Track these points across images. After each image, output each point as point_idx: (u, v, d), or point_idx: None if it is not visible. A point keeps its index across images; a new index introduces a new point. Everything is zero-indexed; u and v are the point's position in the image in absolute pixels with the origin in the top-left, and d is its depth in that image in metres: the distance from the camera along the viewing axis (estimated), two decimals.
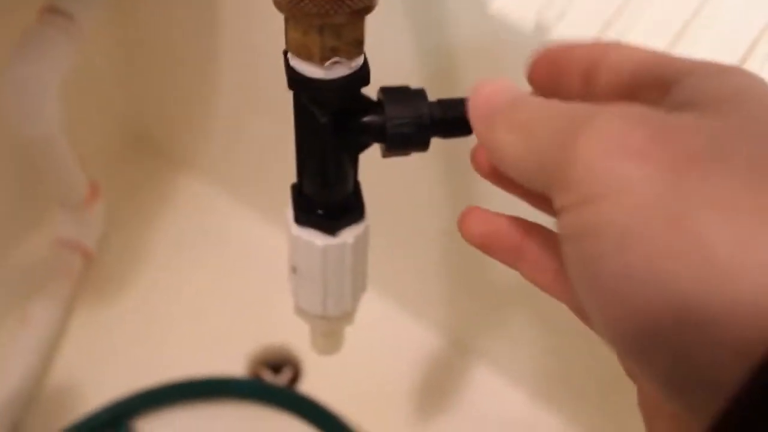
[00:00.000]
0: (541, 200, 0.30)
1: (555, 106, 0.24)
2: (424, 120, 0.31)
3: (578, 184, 0.21)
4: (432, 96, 0.32)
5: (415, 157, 0.33)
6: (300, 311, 0.38)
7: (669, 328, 0.19)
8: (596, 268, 0.20)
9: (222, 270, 0.69)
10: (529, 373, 0.63)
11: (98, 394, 0.59)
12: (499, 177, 0.29)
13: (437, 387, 0.65)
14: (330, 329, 0.39)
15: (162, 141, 0.75)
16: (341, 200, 0.34)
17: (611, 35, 0.41)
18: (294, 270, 0.36)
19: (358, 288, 0.37)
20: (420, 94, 0.31)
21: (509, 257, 0.30)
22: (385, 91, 0.31)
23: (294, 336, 0.64)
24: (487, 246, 0.30)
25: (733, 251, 0.18)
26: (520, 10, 0.42)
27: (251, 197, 0.71)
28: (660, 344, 0.19)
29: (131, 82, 0.71)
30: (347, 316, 0.38)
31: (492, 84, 0.27)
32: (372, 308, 0.65)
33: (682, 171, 0.19)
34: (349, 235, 0.34)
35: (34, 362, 0.60)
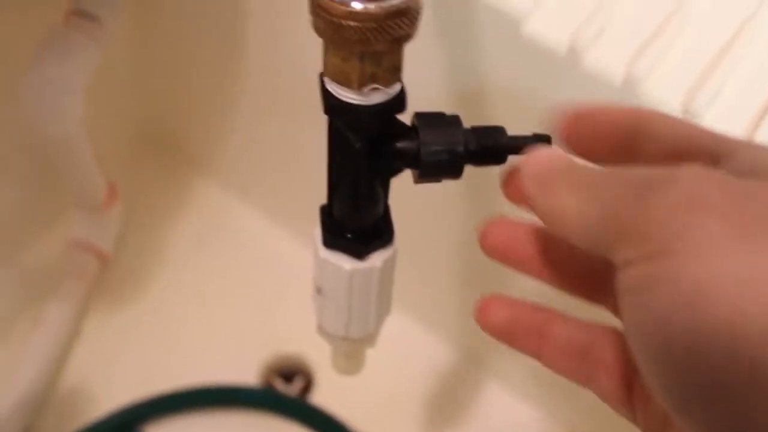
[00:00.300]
0: (578, 282, 0.30)
1: (620, 169, 0.24)
2: (458, 148, 0.30)
3: (652, 237, 0.21)
4: (463, 120, 0.31)
5: None
6: (322, 332, 0.37)
7: (738, 386, 0.19)
8: (664, 321, 0.21)
9: (237, 275, 0.69)
10: (541, 389, 0.63)
11: (110, 397, 0.59)
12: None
13: (449, 400, 0.64)
14: (352, 351, 0.39)
15: (179, 143, 0.75)
16: (371, 224, 0.34)
17: (647, 59, 0.40)
18: (319, 291, 0.36)
19: (383, 311, 0.37)
20: (455, 121, 0.31)
21: (532, 343, 0.30)
22: (419, 116, 0.31)
23: (307, 345, 0.64)
24: (511, 333, 0.31)
25: None
26: (554, 32, 0.41)
27: (269, 201, 0.71)
28: (729, 401, 0.19)
29: (149, 83, 0.70)
30: (370, 339, 0.38)
31: (548, 151, 0.27)
32: (387, 321, 0.65)
33: (760, 233, 0.20)
34: (377, 259, 0.34)
35: (46, 365, 0.60)
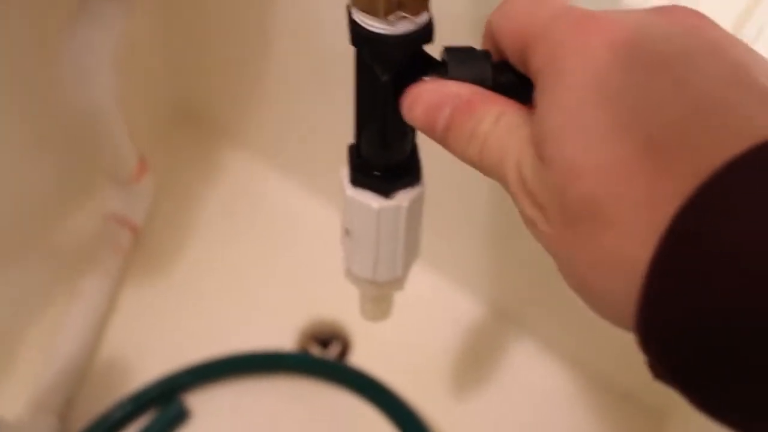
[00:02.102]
0: None
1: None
2: (486, 84, 0.30)
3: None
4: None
5: None
6: (350, 275, 0.37)
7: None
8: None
9: (270, 244, 0.69)
10: (571, 343, 0.63)
11: (148, 368, 0.60)
12: None
13: (485, 360, 0.64)
14: (379, 294, 0.39)
15: (209, 114, 0.75)
16: (398, 162, 0.33)
17: None
18: (347, 233, 0.35)
19: (410, 254, 0.36)
20: (485, 56, 0.30)
21: None
22: (449, 51, 0.30)
23: (343, 310, 0.64)
24: None
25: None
26: None
27: (300, 170, 0.71)
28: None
29: (177, 53, 0.71)
30: (397, 282, 0.37)
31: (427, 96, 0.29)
32: (419, 280, 0.64)
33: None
34: (404, 198, 0.34)
35: (84, 337, 0.60)
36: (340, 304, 0.61)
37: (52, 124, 0.60)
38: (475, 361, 0.64)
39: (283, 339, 0.63)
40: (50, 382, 0.58)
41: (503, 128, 0.26)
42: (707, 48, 0.23)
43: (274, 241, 0.69)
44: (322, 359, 0.62)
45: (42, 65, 0.55)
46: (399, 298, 0.64)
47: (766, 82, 0.22)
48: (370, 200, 0.33)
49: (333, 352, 0.63)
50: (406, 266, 0.37)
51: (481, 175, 0.58)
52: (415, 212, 0.35)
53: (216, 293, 0.66)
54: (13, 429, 0.54)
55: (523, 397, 0.63)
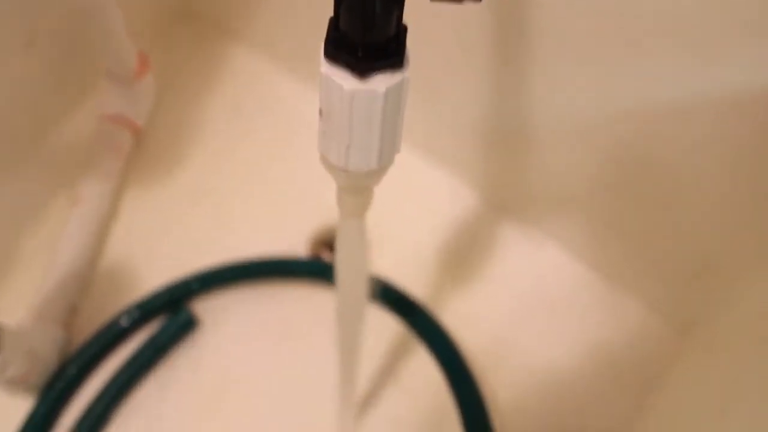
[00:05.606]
0: None
1: None
2: None
3: None
4: None
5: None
6: (324, 161, 0.34)
7: None
8: None
9: (279, 145, 0.66)
10: (566, 232, 0.61)
11: (153, 275, 0.59)
12: None
13: (499, 255, 0.62)
14: (354, 186, 0.35)
15: (212, 9, 0.72)
16: (379, 42, 0.30)
17: None
18: (321, 113, 0.32)
19: (388, 146, 0.33)
20: None
21: None
22: None
23: None
24: None
25: None
26: None
27: (307, 65, 0.68)
28: None
29: None
30: (373, 175, 0.34)
31: None
32: (438, 182, 0.61)
33: None
34: (382, 83, 0.30)
35: (86, 243, 0.59)
36: None
37: (44, 22, 0.57)
38: (488, 259, 0.61)
39: (294, 244, 0.61)
40: (52, 290, 0.56)
41: None
42: None
43: (283, 142, 0.66)
44: (331, 265, 0.59)
45: None
46: (417, 201, 0.61)
47: None
48: (343, 80, 0.30)
49: None
50: (383, 159, 0.33)
51: (478, 62, 0.54)
52: (394, 100, 0.31)
53: (223, 197, 0.64)
54: (14, 337, 0.53)
55: (534, 288, 0.61)
